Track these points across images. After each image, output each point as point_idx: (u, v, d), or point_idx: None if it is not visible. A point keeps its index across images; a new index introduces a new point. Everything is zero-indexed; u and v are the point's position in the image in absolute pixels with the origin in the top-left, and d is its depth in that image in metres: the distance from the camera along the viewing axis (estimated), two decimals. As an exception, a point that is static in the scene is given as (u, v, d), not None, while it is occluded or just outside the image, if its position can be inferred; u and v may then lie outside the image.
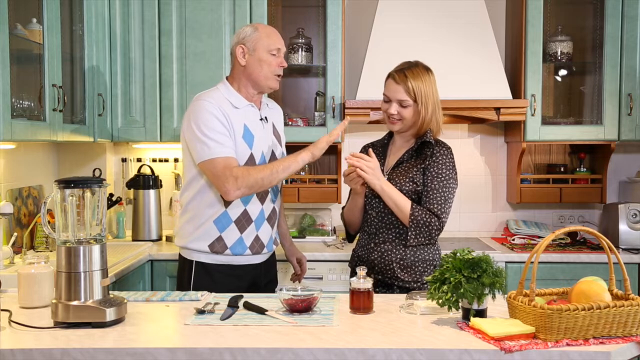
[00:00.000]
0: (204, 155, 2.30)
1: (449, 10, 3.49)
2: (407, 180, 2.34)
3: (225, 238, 2.40)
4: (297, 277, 2.80)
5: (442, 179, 2.31)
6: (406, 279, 2.34)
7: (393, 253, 2.35)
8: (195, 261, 2.44)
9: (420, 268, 2.34)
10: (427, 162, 2.34)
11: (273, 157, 2.50)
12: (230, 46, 2.49)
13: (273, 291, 2.60)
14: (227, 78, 2.50)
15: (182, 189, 2.50)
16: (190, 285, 2.43)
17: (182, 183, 3.58)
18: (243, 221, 2.41)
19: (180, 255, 2.52)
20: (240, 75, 2.45)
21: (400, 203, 2.29)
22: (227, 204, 2.38)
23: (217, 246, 2.40)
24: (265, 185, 2.34)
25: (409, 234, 2.29)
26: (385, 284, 2.37)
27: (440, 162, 2.33)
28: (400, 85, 2.34)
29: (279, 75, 2.46)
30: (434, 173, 2.31)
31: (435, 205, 2.29)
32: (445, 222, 2.32)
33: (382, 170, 2.43)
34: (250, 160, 2.39)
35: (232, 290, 2.23)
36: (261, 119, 2.49)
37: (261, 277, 2.53)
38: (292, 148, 3.74)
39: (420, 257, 2.35)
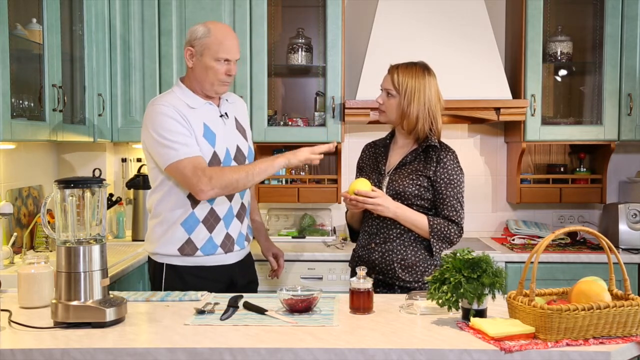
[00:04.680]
0: (170, 158, 2.26)
1: (449, 10, 3.49)
2: (411, 183, 2.34)
3: (195, 239, 2.36)
4: (274, 274, 2.74)
5: (455, 184, 2.34)
6: (407, 279, 2.34)
7: (394, 253, 2.36)
8: (166, 264, 2.39)
9: (421, 268, 2.34)
10: (435, 168, 2.34)
11: (239, 152, 2.45)
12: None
13: (255, 291, 2.57)
14: (181, 79, 2.45)
15: (149, 193, 2.46)
16: (162, 289, 2.38)
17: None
18: (211, 220, 2.37)
19: (149, 258, 2.48)
20: (191, 76, 2.40)
21: (417, 221, 2.32)
22: (194, 205, 2.34)
23: (187, 249, 2.36)
24: (239, 187, 2.31)
25: (433, 246, 2.32)
26: (386, 284, 2.37)
27: (450, 167, 2.34)
28: (389, 75, 2.40)
29: (227, 82, 2.39)
30: (446, 180, 2.33)
31: (453, 213, 2.33)
32: (463, 225, 2.36)
33: (384, 170, 2.44)
34: (214, 159, 2.34)
35: None
36: (221, 116, 2.44)
37: (237, 278, 2.46)
38: (292, 148, 3.76)
39: (421, 257, 2.35)
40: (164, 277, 2.39)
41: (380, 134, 3.92)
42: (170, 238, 2.36)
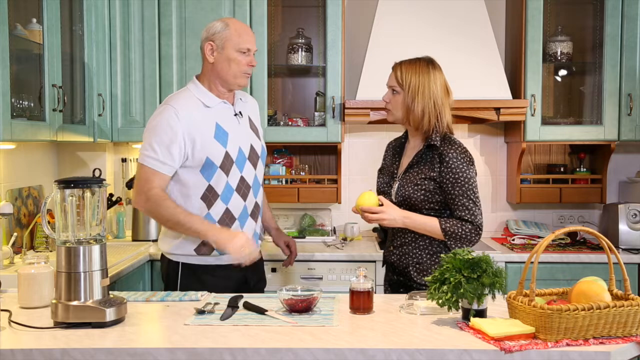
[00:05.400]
0: (144, 159, 2.30)
1: (449, 10, 3.49)
2: (417, 188, 2.30)
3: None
4: (287, 262, 2.75)
5: (462, 182, 2.25)
6: (422, 282, 2.31)
7: (409, 256, 2.35)
8: (182, 263, 2.39)
9: None
10: (440, 169, 2.27)
11: (252, 151, 2.45)
12: (200, 41, 2.43)
13: (262, 291, 2.58)
14: (197, 76, 2.45)
15: None
16: (177, 287, 2.39)
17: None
18: (227, 220, 2.37)
19: (163, 256, 2.48)
20: (210, 73, 2.40)
21: (429, 226, 2.27)
22: (209, 206, 2.35)
23: (204, 249, 2.37)
24: (161, 224, 2.39)
25: (452, 249, 2.26)
26: (406, 285, 2.37)
27: (453, 165, 2.25)
28: (393, 72, 2.37)
29: (248, 74, 2.42)
30: (452, 179, 2.25)
31: (465, 212, 2.25)
32: (481, 222, 2.27)
33: (396, 174, 2.42)
34: (227, 159, 2.34)
35: (221, 291, 2.22)
36: (235, 115, 2.45)
37: (250, 276, 2.48)
38: (293, 148, 3.77)
39: (436, 260, 2.31)
40: (179, 276, 2.40)
41: (380, 134, 3.92)
42: (187, 239, 2.37)
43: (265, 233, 2.71)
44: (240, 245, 2.24)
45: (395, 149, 2.50)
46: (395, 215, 2.27)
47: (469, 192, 2.26)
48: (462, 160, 2.27)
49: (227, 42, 2.35)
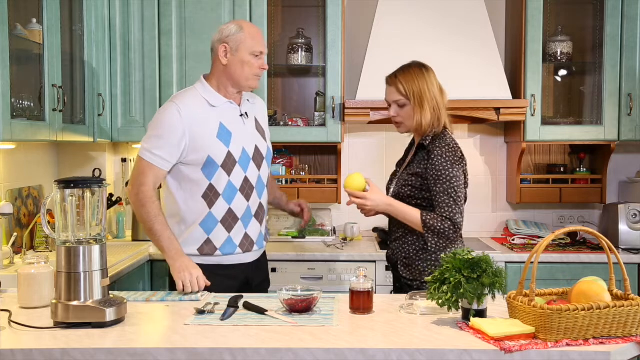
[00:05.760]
0: (143, 152, 2.33)
1: (449, 10, 3.49)
2: (404, 184, 2.35)
3: (214, 239, 2.37)
4: (304, 223, 2.74)
5: (444, 180, 2.27)
6: (408, 277, 2.36)
7: (399, 251, 2.39)
8: None
9: (420, 268, 2.34)
10: (426, 165, 2.31)
11: (257, 152, 2.46)
12: (212, 42, 2.44)
13: (266, 291, 2.59)
14: (205, 76, 2.46)
15: (165, 193, 2.46)
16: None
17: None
18: (229, 220, 2.38)
19: None
20: (221, 74, 2.41)
21: (410, 215, 2.30)
22: (210, 205, 2.36)
23: (207, 249, 2.37)
24: (140, 222, 2.43)
25: (428, 242, 2.29)
26: (399, 279, 2.42)
27: (437, 162, 2.28)
28: (392, 87, 2.38)
29: (259, 76, 2.44)
30: (434, 176, 2.28)
31: (445, 209, 2.26)
32: (461, 221, 2.28)
33: (398, 171, 2.47)
34: (229, 158, 2.35)
35: (223, 291, 2.22)
36: (241, 115, 2.46)
37: (253, 277, 2.50)
38: (293, 148, 3.77)
39: (421, 256, 2.34)
40: None
41: (380, 134, 3.92)
42: (189, 238, 2.38)
43: (271, 228, 2.71)
44: (187, 280, 2.25)
45: (407, 148, 2.57)
46: (378, 201, 2.31)
47: (450, 191, 2.27)
48: (447, 158, 2.29)
49: (242, 45, 2.37)
